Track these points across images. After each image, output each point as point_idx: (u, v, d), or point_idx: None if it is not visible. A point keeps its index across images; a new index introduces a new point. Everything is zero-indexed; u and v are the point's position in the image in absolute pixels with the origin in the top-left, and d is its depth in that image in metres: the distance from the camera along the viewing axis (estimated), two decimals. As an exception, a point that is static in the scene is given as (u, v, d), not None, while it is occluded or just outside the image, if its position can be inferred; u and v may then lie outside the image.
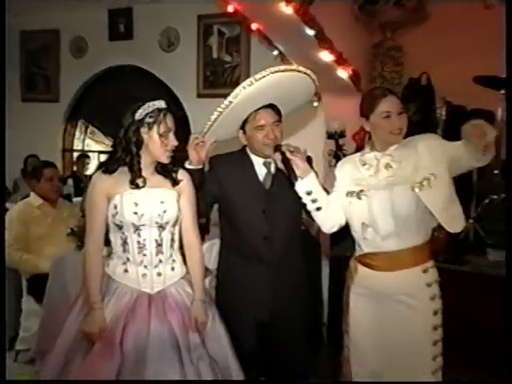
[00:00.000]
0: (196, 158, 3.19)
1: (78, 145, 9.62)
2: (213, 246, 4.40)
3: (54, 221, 5.40)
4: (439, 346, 2.95)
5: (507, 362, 2.72)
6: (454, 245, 5.34)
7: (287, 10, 4.57)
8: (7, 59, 9.36)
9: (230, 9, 5.09)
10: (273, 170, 3.24)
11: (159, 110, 2.93)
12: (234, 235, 3.41)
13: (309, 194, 3.06)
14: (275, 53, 5.90)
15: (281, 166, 3.05)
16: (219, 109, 3.09)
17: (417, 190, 2.87)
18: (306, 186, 3.05)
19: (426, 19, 6.80)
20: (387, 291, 2.96)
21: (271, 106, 3.24)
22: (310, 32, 4.98)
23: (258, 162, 3.32)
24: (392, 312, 2.96)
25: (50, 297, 4.77)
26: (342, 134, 6.36)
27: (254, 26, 5.51)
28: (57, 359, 2.98)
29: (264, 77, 3.05)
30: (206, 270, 3.97)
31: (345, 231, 3.20)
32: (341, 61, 5.61)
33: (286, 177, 3.05)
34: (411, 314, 2.93)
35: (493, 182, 5.57)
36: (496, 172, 5.49)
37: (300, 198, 3.08)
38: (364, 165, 3.04)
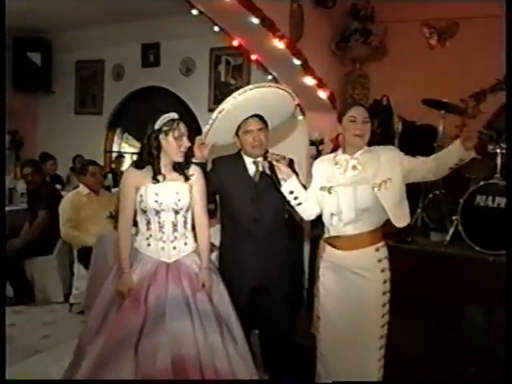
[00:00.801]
0: (199, 155, 3.23)
1: (116, 147, 9.60)
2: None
3: (98, 206, 5.41)
4: (387, 307, 2.97)
5: (507, 362, 2.61)
6: (405, 229, 5.34)
7: (279, 44, 4.57)
8: (65, 83, 9.51)
9: (235, 43, 5.07)
10: (261, 167, 3.22)
11: (172, 120, 2.96)
12: (230, 219, 3.41)
13: (291, 193, 3.05)
14: (269, 77, 5.86)
15: (268, 171, 3.05)
16: (214, 115, 3.12)
17: (376, 189, 2.86)
18: (289, 187, 3.04)
19: (385, 55, 6.80)
20: (347, 265, 2.96)
21: (258, 116, 3.25)
22: (297, 62, 4.98)
23: (249, 161, 3.33)
24: (350, 281, 2.96)
25: (94, 265, 4.79)
26: (321, 142, 6.34)
27: (253, 57, 5.48)
28: (98, 310, 3.03)
29: (251, 90, 3.09)
30: (213, 246, 3.98)
31: (321, 218, 3.22)
32: (321, 85, 5.61)
33: (270, 177, 3.06)
34: (366, 282, 2.93)
35: (436, 180, 5.55)
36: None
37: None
38: (336, 164, 3.02)
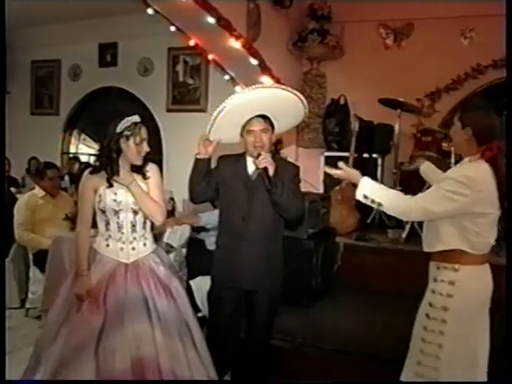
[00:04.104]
0: (203, 151, 3.16)
1: (73, 149, 9.52)
2: (177, 229, 4.37)
3: (54, 208, 5.33)
4: (432, 332, 2.75)
5: (507, 362, 2.61)
6: (363, 227, 5.43)
7: (236, 44, 4.60)
8: (21, 83, 9.40)
9: (192, 43, 5.08)
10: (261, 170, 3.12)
11: (135, 123, 2.91)
12: (225, 218, 3.33)
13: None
14: (227, 77, 5.88)
15: (262, 172, 3.04)
16: (216, 112, 3.03)
17: None
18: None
19: (342, 54, 6.90)
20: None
21: (263, 117, 3.15)
22: (254, 62, 5.02)
23: (249, 161, 3.23)
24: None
25: (50, 267, 4.74)
26: (279, 141, 6.39)
27: (210, 57, 5.50)
28: (56, 314, 2.97)
29: (256, 89, 3.01)
30: (171, 248, 3.95)
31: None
32: (278, 84, 5.64)
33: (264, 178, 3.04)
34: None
35: (392, 178, 5.67)
36: (394, 171, 5.60)
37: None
38: None
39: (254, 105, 3.08)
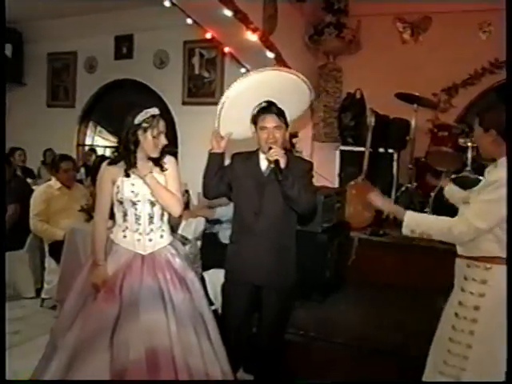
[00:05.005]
0: (216, 145, 3.18)
1: (88, 141, 9.59)
2: (192, 221, 4.39)
3: (69, 199, 5.36)
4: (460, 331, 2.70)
5: (507, 362, 2.51)
6: (378, 222, 5.42)
7: (252, 37, 4.60)
8: (37, 75, 9.48)
9: (208, 36, 5.08)
10: (272, 164, 3.10)
11: (153, 116, 2.91)
12: (237, 213, 3.35)
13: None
14: (243, 70, 5.89)
15: (272, 164, 3.03)
16: (220, 104, 3.04)
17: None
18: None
19: (359, 48, 6.86)
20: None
21: (277, 114, 3.12)
22: (270, 55, 5.02)
23: (262, 158, 3.22)
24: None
25: (65, 258, 4.76)
26: (295, 135, 6.40)
27: (226, 50, 5.50)
28: (72, 303, 3.00)
29: (254, 74, 3.03)
30: (186, 240, 3.94)
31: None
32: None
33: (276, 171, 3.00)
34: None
35: (408, 174, 5.65)
36: (410, 166, 5.56)
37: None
38: None
39: (255, 91, 3.08)
